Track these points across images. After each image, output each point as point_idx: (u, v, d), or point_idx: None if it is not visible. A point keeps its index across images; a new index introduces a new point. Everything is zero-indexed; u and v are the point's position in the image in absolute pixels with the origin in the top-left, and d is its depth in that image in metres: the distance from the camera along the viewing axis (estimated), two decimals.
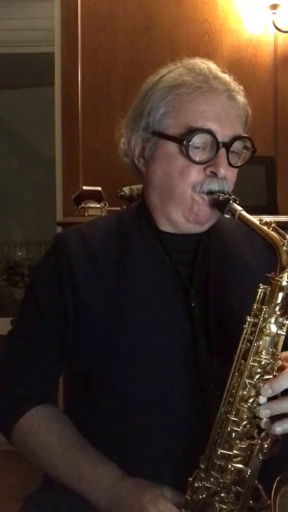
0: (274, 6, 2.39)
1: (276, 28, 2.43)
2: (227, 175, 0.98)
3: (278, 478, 0.82)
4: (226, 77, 1.01)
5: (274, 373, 0.84)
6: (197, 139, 0.96)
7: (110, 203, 2.15)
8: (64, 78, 2.57)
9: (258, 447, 0.84)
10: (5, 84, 3.95)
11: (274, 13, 2.40)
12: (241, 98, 1.01)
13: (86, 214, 2.14)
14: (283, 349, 0.87)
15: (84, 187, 2.23)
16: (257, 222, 0.90)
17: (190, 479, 0.87)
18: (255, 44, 2.50)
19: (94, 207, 2.16)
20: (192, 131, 0.95)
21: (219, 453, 0.85)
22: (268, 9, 2.41)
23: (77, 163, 2.54)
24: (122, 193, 2.01)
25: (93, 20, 2.54)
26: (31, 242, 4.27)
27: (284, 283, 0.84)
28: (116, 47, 2.54)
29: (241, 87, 1.03)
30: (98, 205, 2.17)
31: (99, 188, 2.19)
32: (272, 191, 2.32)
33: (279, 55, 2.49)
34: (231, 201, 0.94)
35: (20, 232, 4.45)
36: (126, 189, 2.00)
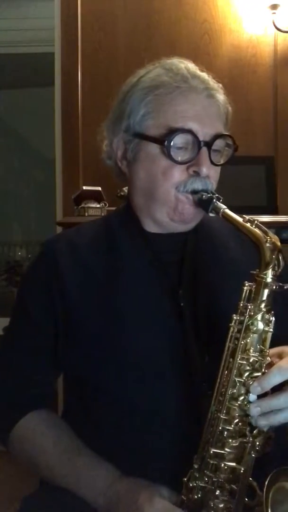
0: (274, 6, 2.38)
1: (276, 28, 2.42)
2: (210, 173, 0.98)
3: (271, 474, 0.82)
4: (205, 75, 1.00)
5: (263, 370, 0.84)
6: (178, 140, 0.95)
7: (110, 203, 2.14)
8: (64, 78, 2.56)
9: (250, 445, 0.83)
10: (5, 84, 3.95)
11: (274, 13, 2.40)
12: (220, 96, 1.01)
13: (86, 214, 2.14)
14: (272, 346, 0.87)
15: (84, 187, 2.23)
16: (241, 220, 0.90)
17: (185, 479, 0.87)
18: (255, 44, 2.49)
19: (94, 207, 2.16)
20: (173, 131, 0.95)
21: (211, 452, 0.85)
22: (268, 9, 2.40)
23: (77, 163, 2.54)
24: (122, 193, 2.01)
25: (93, 20, 2.54)
26: (31, 242, 4.28)
27: (268, 280, 0.84)
28: (116, 47, 2.53)
29: (220, 85, 1.02)
30: (98, 205, 2.17)
31: (99, 188, 2.19)
32: (272, 191, 2.32)
33: (279, 55, 2.48)
34: (214, 200, 0.94)
35: (20, 232, 4.46)
36: (126, 189, 2.00)
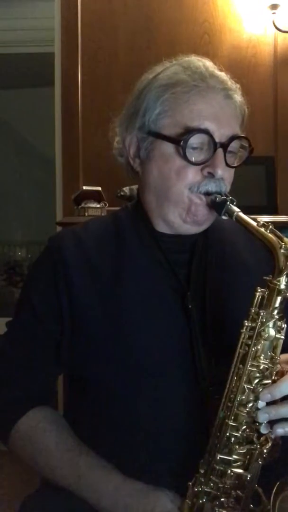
0: (274, 6, 2.38)
1: (276, 28, 2.42)
2: (224, 175, 0.97)
3: (278, 482, 0.82)
4: (223, 75, 0.99)
5: (274, 377, 0.84)
6: (194, 140, 0.94)
7: (110, 203, 2.14)
8: (64, 78, 2.56)
9: (257, 452, 0.83)
10: (5, 84, 3.95)
11: (274, 13, 2.40)
12: (238, 97, 1.00)
13: (86, 214, 2.14)
14: (283, 352, 0.86)
15: (84, 187, 2.23)
16: (255, 224, 0.88)
17: (190, 483, 0.86)
18: (255, 44, 2.50)
19: (94, 207, 2.16)
20: (189, 131, 0.93)
21: (218, 458, 0.84)
22: (268, 9, 2.40)
23: (77, 163, 2.53)
24: (122, 193, 2.01)
25: (93, 20, 2.54)
26: (31, 242, 4.28)
27: (282, 287, 0.83)
28: (116, 47, 2.53)
29: (238, 86, 1.01)
30: (98, 205, 2.17)
31: (99, 188, 2.19)
32: (272, 191, 2.32)
33: (279, 55, 2.48)
34: (228, 202, 0.93)
35: (20, 232, 4.46)
36: (126, 189, 2.00)
